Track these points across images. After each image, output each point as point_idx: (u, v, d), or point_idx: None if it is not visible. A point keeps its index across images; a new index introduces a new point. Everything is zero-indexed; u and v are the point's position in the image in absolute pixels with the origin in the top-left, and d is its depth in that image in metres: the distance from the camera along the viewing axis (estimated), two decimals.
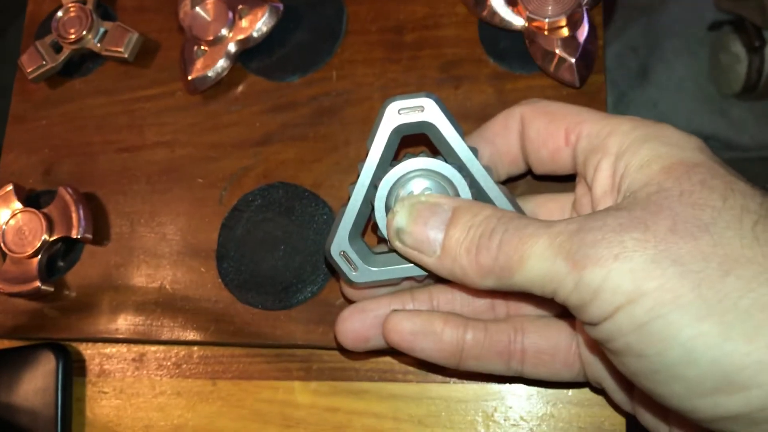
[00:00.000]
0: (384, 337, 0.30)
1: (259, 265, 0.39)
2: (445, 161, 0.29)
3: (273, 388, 0.38)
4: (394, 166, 0.29)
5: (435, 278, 0.31)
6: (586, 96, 0.38)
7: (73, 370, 0.41)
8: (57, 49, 0.46)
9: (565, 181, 0.33)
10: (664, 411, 0.27)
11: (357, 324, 0.31)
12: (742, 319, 0.20)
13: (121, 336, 0.40)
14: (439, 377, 0.37)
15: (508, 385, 0.36)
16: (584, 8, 0.36)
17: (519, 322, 0.30)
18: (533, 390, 0.35)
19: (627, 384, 0.29)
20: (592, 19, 0.38)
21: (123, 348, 0.41)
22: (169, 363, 0.40)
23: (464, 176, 0.28)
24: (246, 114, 0.43)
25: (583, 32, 0.36)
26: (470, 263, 0.25)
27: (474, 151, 0.29)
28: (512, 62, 0.39)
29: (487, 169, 0.29)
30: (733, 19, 0.93)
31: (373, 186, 0.29)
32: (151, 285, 0.41)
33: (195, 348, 0.40)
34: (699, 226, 0.22)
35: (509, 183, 0.35)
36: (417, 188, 0.29)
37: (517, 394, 0.35)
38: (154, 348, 0.41)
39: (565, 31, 0.36)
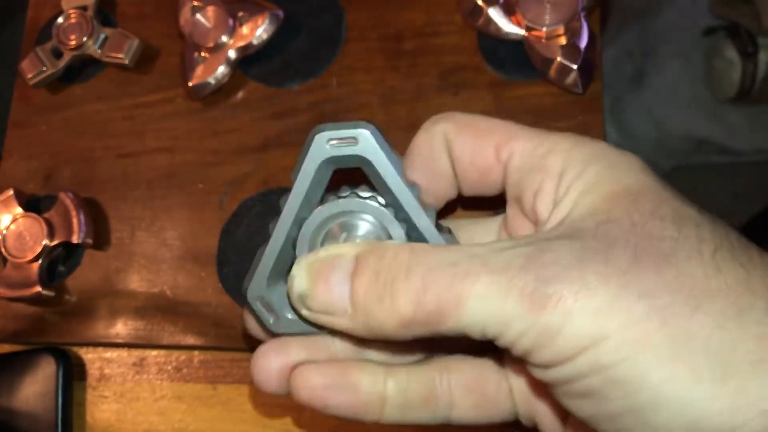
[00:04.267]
0: (292, 395, 0.26)
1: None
2: (379, 200, 0.26)
3: None
4: (326, 202, 0.26)
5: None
6: (584, 103, 0.38)
7: (73, 374, 0.41)
8: (57, 54, 0.46)
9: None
10: None
11: (277, 363, 0.26)
12: (712, 359, 0.19)
13: (121, 340, 0.41)
14: None
15: None
16: (582, 16, 0.37)
17: (443, 362, 0.27)
18: None
19: (562, 422, 0.27)
20: (591, 26, 0.38)
21: (123, 352, 0.41)
22: (169, 367, 0.40)
23: (399, 218, 0.25)
24: (246, 120, 0.43)
25: (583, 39, 0.37)
26: (387, 314, 0.22)
27: (414, 189, 0.25)
28: (510, 70, 0.40)
29: (427, 210, 0.25)
30: (728, 25, 0.93)
31: (297, 225, 0.26)
32: (151, 290, 0.41)
33: (195, 352, 0.40)
34: (660, 256, 0.20)
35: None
36: (344, 231, 0.26)
37: None
38: (154, 352, 0.41)
39: (563, 40, 0.37)
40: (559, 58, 0.37)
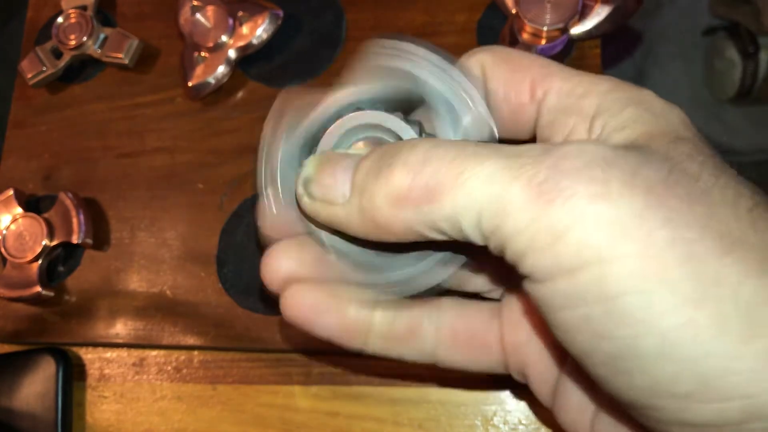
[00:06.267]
0: (282, 312, 0.25)
1: (259, 270, 0.39)
2: (403, 117, 0.24)
3: (273, 392, 0.39)
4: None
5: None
6: None
7: (73, 374, 0.41)
8: (57, 54, 0.46)
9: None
10: (590, 408, 0.24)
11: (282, 266, 0.26)
12: (740, 311, 0.16)
13: (121, 341, 0.41)
14: (439, 380, 0.37)
15: (507, 389, 0.36)
16: (566, 36, 0.37)
17: (435, 301, 0.26)
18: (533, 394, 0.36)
19: (552, 370, 0.25)
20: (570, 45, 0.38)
21: (123, 352, 0.41)
22: (169, 367, 0.40)
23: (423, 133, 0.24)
24: (246, 120, 0.43)
25: (548, 50, 0.37)
26: (380, 188, 0.20)
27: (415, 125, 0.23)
28: None
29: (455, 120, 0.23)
30: (728, 25, 0.93)
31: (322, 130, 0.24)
32: (151, 290, 0.41)
33: (195, 353, 0.40)
34: (693, 191, 0.17)
35: None
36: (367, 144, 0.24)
37: (516, 398, 0.36)
38: (154, 353, 0.41)
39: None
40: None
